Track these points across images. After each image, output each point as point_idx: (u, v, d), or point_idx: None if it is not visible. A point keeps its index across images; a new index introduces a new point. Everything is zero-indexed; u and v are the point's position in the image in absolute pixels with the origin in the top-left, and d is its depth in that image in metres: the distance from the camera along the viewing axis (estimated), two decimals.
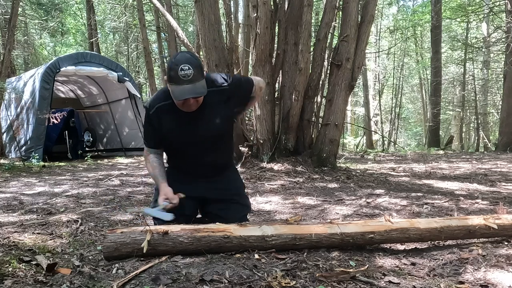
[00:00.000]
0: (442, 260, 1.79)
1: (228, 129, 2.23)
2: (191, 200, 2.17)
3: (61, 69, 8.67)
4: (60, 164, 7.80)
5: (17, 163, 7.24)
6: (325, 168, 5.21)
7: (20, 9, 12.22)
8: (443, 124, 21.34)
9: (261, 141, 5.40)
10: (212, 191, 2.19)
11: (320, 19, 6.43)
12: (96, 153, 11.41)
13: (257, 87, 2.27)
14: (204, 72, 2.00)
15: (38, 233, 2.21)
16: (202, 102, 2.04)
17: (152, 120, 2.10)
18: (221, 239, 1.76)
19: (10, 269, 1.60)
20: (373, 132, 19.06)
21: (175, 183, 2.21)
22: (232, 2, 11.17)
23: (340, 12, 5.54)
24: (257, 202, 3.42)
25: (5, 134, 9.21)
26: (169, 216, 1.97)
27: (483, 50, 16.92)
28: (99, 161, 8.68)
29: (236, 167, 2.81)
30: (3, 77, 8.30)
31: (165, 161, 2.28)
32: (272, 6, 5.39)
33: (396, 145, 18.17)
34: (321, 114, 5.83)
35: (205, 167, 2.19)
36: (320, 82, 5.69)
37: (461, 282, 1.54)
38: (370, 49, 20.88)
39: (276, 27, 5.62)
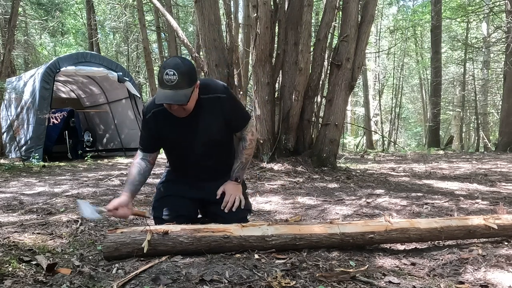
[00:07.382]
0: (442, 260, 1.79)
1: (227, 137, 2.17)
2: (191, 202, 2.17)
3: (61, 69, 8.67)
4: (60, 164, 7.79)
5: (17, 163, 7.24)
6: (325, 168, 5.21)
7: (20, 9, 12.22)
8: (443, 124, 21.34)
9: (261, 141, 5.40)
10: (213, 193, 2.16)
11: (320, 19, 6.43)
12: (96, 153, 11.40)
13: (250, 130, 2.14)
14: (198, 81, 1.92)
15: (38, 233, 2.21)
16: (199, 108, 1.99)
17: (149, 123, 2.07)
18: (221, 239, 1.76)
19: (10, 269, 1.60)
20: (373, 132, 19.06)
21: (175, 184, 2.21)
22: (232, 2, 11.17)
23: (340, 12, 5.54)
24: (257, 202, 3.42)
25: (5, 134, 9.20)
26: (94, 215, 1.87)
27: (483, 50, 16.92)
28: (99, 161, 8.67)
29: None
30: (3, 77, 8.32)
31: (165, 160, 2.27)
32: (272, 6, 5.39)
33: (396, 145, 18.17)
34: (321, 114, 5.83)
35: (206, 171, 2.16)
36: (320, 82, 5.69)
37: (461, 282, 1.54)
38: (370, 49, 20.89)
39: (276, 27, 5.62)
